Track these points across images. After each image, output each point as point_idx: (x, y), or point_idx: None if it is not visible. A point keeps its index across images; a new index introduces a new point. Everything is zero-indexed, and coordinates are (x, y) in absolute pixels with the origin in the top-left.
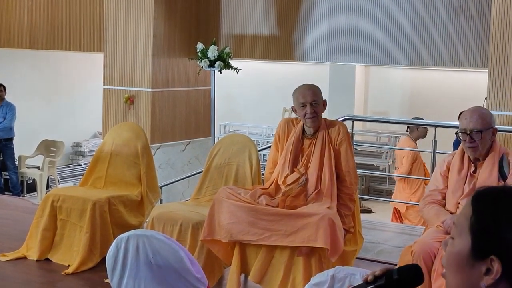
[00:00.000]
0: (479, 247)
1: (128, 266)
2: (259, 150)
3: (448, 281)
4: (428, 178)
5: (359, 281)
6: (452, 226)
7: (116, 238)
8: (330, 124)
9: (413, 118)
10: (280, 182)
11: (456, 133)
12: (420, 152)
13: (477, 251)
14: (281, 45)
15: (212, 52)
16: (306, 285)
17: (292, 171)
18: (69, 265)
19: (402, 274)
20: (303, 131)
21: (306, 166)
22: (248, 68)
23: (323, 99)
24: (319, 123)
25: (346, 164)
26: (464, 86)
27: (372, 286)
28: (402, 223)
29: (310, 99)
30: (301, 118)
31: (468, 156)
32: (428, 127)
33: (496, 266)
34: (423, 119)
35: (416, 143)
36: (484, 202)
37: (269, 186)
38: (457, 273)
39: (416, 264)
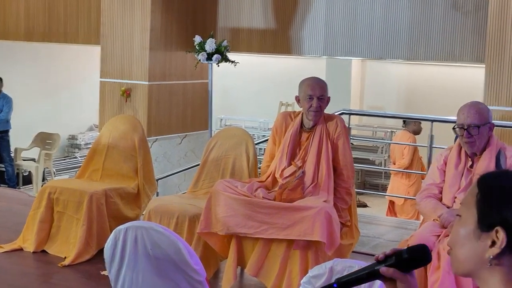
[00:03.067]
0: (485, 218)
1: (126, 258)
2: (256, 144)
3: (455, 256)
4: (426, 173)
5: None
6: (448, 220)
7: (114, 230)
8: (328, 118)
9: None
10: (277, 175)
11: (454, 128)
12: (417, 146)
13: (483, 223)
14: (278, 39)
15: (210, 45)
16: (304, 277)
17: (290, 164)
18: (65, 257)
19: (411, 253)
20: (301, 124)
21: (303, 159)
22: (245, 62)
23: (328, 95)
24: (320, 118)
25: (343, 158)
26: (461, 81)
27: (383, 265)
28: (396, 216)
29: (319, 93)
30: (304, 110)
31: (465, 151)
32: (421, 124)
33: (502, 236)
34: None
35: (414, 136)
36: (489, 180)
37: (266, 179)
38: (464, 246)
39: (424, 244)
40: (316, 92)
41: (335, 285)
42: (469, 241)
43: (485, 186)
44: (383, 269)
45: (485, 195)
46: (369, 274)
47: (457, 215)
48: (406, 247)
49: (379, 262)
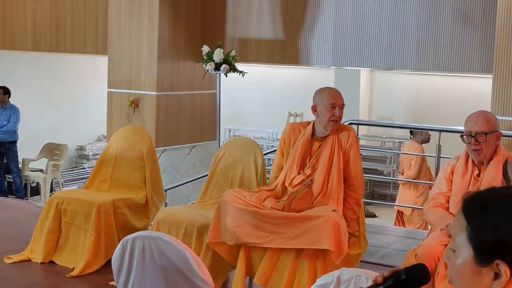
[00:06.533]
0: (482, 253)
1: (134, 268)
2: (264, 154)
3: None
4: (433, 183)
5: (364, 282)
6: None
7: (122, 240)
8: (340, 128)
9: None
10: (287, 184)
11: (461, 136)
12: (425, 157)
13: (480, 258)
14: (287, 49)
15: (218, 55)
16: (312, 286)
17: (299, 173)
18: (73, 268)
19: (410, 274)
20: (313, 133)
21: (313, 168)
22: (253, 72)
23: None
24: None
25: (354, 168)
26: (469, 92)
27: (381, 286)
28: (405, 226)
29: (341, 102)
30: (322, 119)
31: (472, 160)
32: (430, 132)
33: (504, 268)
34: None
35: (422, 147)
36: (475, 209)
37: (275, 188)
38: (465, 280)
39: (422, 264)
40: (338, 101)
41: None
42: (470, 276)
43: (473, 217)
44: None
45: (475, 228)
46: None
47: (451, 250)
48: (403, 268)
49: (377, 284)
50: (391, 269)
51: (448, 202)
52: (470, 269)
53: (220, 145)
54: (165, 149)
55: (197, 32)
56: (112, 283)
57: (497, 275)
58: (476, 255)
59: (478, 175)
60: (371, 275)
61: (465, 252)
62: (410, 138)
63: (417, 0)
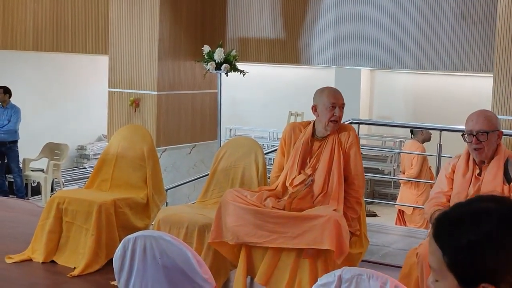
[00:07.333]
0: (466, 280)
1: (135, 267)
2: (265, 154)
3: None
4: (434, 182)
5: (365, 281)
6: None
7: (123, 239)
8: (341, 127)
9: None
10: (287, 184)
11: (463, 135)
12: (426, 156)
13: (466, 285)
14: (287, 49)
15: (219, 54)
16: (314, 286)
17: (300, 173)
18: (74, 267)
19: None
20: (313, 133)
21: (314, 168)
22: (254, 72)
23: None
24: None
25: (355, 167)
26: (469, 91)
27: None
28: (406, 225)
29: (341, 102)
30: (322, 119)
31: (474, 159)
32: (431, 131)
33: None
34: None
35: (423, 146)
36: (447, 237)
37: (276, 188)
38: None
39: None
40: (338, 101)
41: None
42: None
43: (447, 246)
44: None
45: (452, 257)
46: None
47: (435, 280)
48: None
49: None
50: None
51: (449, 201)
52: None
53: (221, 144)
54: (166, 149)
55: (198, 31)
56: (113, 282)
57: None
58: (461, 283)
59: (479, 174)
60: (372, 274)
61: (449, 280)
62: (411, 137)
63: None
